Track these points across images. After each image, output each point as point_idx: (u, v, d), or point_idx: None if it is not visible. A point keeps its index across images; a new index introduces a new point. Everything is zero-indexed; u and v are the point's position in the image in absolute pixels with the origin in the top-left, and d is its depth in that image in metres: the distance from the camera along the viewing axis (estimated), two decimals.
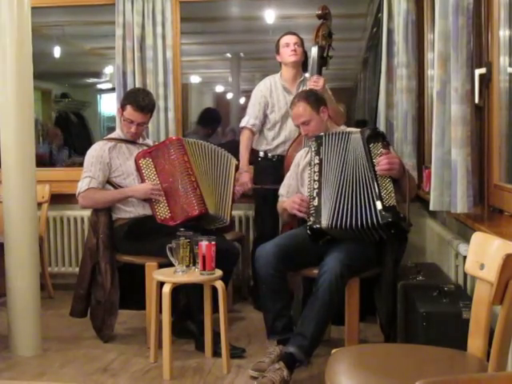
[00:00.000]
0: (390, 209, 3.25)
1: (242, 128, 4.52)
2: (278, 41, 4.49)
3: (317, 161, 3.48)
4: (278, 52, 4.50)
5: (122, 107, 3.95)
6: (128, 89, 4.80)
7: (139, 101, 3.90)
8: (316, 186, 3.43)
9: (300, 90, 4.41)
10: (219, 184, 4.01)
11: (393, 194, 3.28)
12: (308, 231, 3.41)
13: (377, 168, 3.32)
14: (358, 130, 3.61)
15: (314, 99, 3.67)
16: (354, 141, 3.45)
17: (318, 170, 3.45)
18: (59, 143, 7.80)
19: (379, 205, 3.26)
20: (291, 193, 3.75)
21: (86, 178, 3.89)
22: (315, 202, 3.40)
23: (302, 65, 4.51)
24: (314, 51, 4.34)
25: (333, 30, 4.42)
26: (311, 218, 3.39)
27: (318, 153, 3.50)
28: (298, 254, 3.45)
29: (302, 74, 4.51)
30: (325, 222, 3.34)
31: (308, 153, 3.68)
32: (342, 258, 3.22)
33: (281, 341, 3.38)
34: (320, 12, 4.36)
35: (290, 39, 4.44)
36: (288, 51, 4.42)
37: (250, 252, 4.77)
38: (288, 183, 3.80)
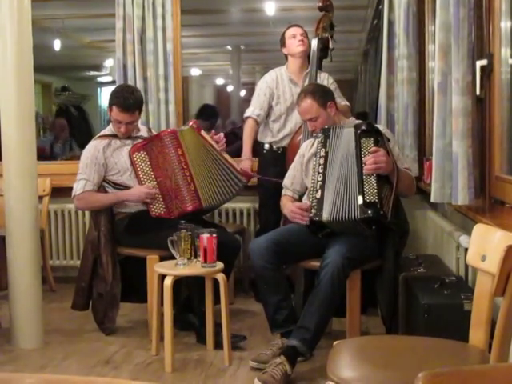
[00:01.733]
0: (370, 204, 3.24)
1: (247, 118, 4.50)
2: (284, 34, 4.48)
3: (323, 153, 3.46)
4: (283, 45, 4.48)
5: (109, 107, 3.89)
6: (128, 81, 4.79)
7: (124, 101, 3.80)
8: (320, 179, 3.42)
9: (306, 82, 4.41)
10: (217, 170, 3.94)
11: (375, 191, 3.26)
12: (308, 223, 3.41)
13: (364, 166, 3.31)
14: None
15: (320, 95, 3.62)
16: (348, 135, 3.43)
17: (323, 163, 3.44)
18: (65, 136, 7.73)
19: (360, 200, 3.26)
20: (295, 184, 3.75)
21: (81, 180, 3.87)
22: (318, 195, 3.40)
23: (307, 57, 4.50)
24: (314, 43, 4.35)
25: (334, 22, 4.41)
26: (313, 210, 3.39)
27: (324, 145, 3.48)
28: (294, 247, 3.45)
29: (308, 65, 4.49)
30: (326, 215, 3.34)
31: (313, 144, 3.67)
32: (343, 251, 3.22)
33: (284, 333, 3.38)
34: (321, 4, 4.36)
35: (295, 30, 4.43)
36: (295, 42, 4.41)
37: None
38: (292, 174, 3.79)
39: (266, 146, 4.52)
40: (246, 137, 4.49)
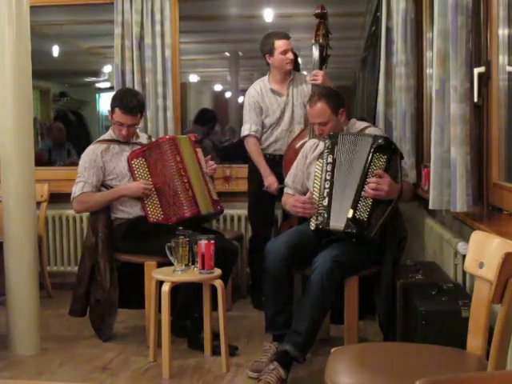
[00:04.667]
0: (357, 221, 3.26)
1: (246, 136, 4.48)
2: (273, 43, 4.40)
3: (330, 160, 3.42)
4: (271, 53, 4.42)
5: (111, 110, 3.91)
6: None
7: (127, 103, 3.84)
8: (327, 186, 3.39)
9: (290, 89, 4.44)
10: (199, 187, 3.95)
11: (368, 209, 3.27)
12: (313, 230, 3.40)
13: (365, 186, 3.30)
14: (373, 129, 3.64)
15: (334, 100, 3.56)
16: (363, 145, 3.38)
17: (330, 170, 3.40)
18: (62, 139, 7.68)
19: (350, 213, 3.28)
20: (296, 183, 3.73)
21: (79, 182, 3.88)
22: (325, 202, 3.38)
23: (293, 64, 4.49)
24: (314, 50, 4.32)
25: (332, 29, 4.41)
26: (319, 218, 3.38)
27: (331, 152, 3.43)
28: (306, 251, 3.43)
29: (291, 73, 4.49)
30: (333, 223, 3.34)
31: (317, 146, 3.66)
32: (332, 255, 3.23)
33: (277, 337, 3.38)
34: (319, 11, 4.34)
35: (287, 46, 4.39)
36: (286, 59, 4.38)
37: (248, 251, 4.78)
38: (294, 173, 3.76)
39: None
40: (255, 156, 4.47)
